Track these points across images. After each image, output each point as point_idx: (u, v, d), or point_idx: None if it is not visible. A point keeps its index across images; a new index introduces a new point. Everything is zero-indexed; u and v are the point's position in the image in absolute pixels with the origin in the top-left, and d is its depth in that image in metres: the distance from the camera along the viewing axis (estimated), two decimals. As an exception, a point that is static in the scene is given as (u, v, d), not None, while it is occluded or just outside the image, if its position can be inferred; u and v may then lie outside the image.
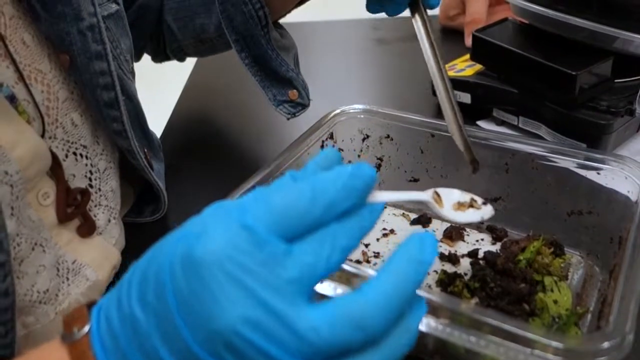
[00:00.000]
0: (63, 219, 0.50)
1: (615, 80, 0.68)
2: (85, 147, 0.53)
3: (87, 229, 0.52)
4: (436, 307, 0.37)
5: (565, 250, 0.54)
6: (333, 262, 0.29)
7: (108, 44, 0.51)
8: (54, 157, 0.48)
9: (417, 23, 0.56)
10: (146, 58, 0.86)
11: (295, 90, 0.69)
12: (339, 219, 0.29)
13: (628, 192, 0.50)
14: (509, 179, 0.57)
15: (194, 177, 0.75)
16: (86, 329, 0.31)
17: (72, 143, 0.52)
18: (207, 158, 0.79)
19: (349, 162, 0.64)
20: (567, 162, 0.53)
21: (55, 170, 0.49)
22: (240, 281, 0.27)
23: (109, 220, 0.56)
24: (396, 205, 0.64)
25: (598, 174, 0.52)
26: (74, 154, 0.52)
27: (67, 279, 0.50)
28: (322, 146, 0.60)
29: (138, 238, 0.60)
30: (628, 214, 0.48)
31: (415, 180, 0.63)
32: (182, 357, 0.28)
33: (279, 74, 0.68)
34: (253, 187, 0.49)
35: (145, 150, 0.62)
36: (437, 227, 0.60)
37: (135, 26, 0.64)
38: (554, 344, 0.34)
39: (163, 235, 0.31)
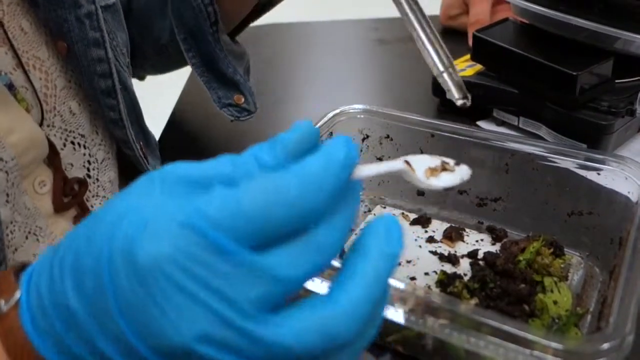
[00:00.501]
0: (59, 208, 0.49)
1: (616, 81, 0.67)
2: (83, 136, 0.53)
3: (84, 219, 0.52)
4: (436, 308, 0.37)
5: (565, 251, 0.54)
6: (318, 267, 0.26)
7: (105, 32, 0.51)
8: (51, 145, 0.48)
9: None
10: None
11: (241, 95, 0.68)
12: (323, 217, 0.26)
13: (628, 192, 0.50)
14: (509, 180, 0.57)
15: (193, 177, 0.74)
16: (14, 299, 0.26)
17: (70, 132, 0.51)
18: (207, 158, 0.79)
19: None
20: (567, 163, 0.53)
21: (53, 158, 0.49)
22: (193, 295, 0.24)
23: None
24: (395, 206, 0.63)
25: (598, 174, 0.52)
26: (72, 142, 0.52)
27: None
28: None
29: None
30: (628, 215, 0.48)
31: (415, 181, 0.63)
32: (127, 355, 0.25)
33: (226, 75, 0.68)
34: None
35: (141, 143, 0.62)
36: (437, 228, 0.59)
37: None
38: (554, 345, 0.34)
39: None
